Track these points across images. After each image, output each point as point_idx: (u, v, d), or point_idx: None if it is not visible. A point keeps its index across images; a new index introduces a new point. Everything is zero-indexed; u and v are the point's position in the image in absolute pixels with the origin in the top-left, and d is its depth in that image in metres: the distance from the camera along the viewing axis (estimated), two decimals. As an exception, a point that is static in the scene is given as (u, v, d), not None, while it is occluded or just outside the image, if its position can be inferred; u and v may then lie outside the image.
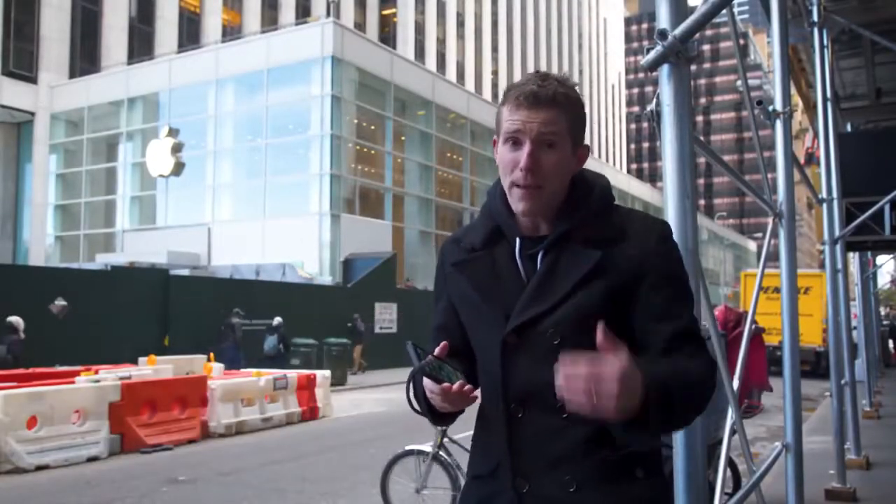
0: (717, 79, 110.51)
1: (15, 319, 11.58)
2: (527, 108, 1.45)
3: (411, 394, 1.54)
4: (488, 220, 1.59)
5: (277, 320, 16.48)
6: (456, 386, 1.38)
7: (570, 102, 1.48)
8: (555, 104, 1.45)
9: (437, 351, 1.44)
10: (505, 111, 1.49)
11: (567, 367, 1.20)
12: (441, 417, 1.54)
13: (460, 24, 47.35)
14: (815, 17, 6.92)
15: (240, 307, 16.71)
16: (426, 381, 1.43)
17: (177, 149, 26.43)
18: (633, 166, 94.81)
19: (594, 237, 1.48)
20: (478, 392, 1.44)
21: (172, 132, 26.68)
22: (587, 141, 1.56)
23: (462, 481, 4.80)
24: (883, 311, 29.54)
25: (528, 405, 1.46)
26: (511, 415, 1.46)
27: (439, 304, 1.68)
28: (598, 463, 1.42)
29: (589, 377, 1.18)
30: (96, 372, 9.87)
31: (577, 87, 1.52)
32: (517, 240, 1.53)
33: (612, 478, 1.42)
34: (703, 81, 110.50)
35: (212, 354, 12.50)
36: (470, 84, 45.87)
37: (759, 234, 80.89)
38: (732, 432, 3.56)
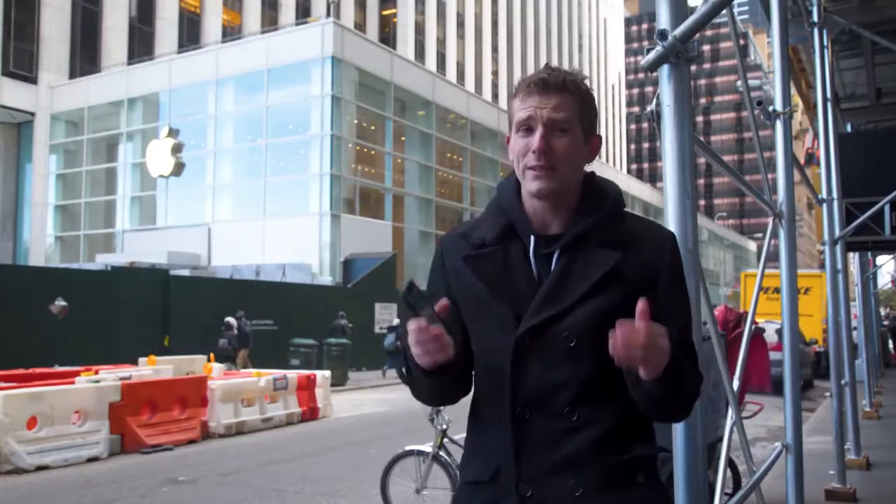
0: (717, 79, 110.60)
1: (231, 319, 15.41)
2: (538, 94, 1.47)
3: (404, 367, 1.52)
4: (500, 215, 1.55)
5: (396, 321, 19.16)
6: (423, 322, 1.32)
7: (579, 90, 1.49)
8: (565, 90, 1.47)
9: (437, 308, 1.37)
10: (517, 101, 1.50)
11: (627, 323, 1.28)
12: (435, 386, 1.49)
13: (460, 24, 47.34)
14: (815, 18, 6.91)
15: (239, 307, 16.70)
16: (409, 323, 1.35)
17: (177, 149, 26.44)
18: (633, 166, 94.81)
19: (611, 240, 1.47)
20: (451, 342, 1.36)
21: (172, 132, 26.69)
22: None
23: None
24: (883, 311, 29.50)
25: (536, 408, 1.43)
26: (518, 417, 1.42)
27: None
28: (603, 468, 1.40)
29: (647, 334, 1.27)
30: (96, 372, 9.87)
31: (586, 81, 1.53)
32: (531, 238, 1.50)
33: (616, 483, 1.41)
34: (703, 81, 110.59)
35: (212, 355, 12.51)
36: (470, 84, 45.84)
37: (759, 235, 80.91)
38: (732, 432, 3.56)
